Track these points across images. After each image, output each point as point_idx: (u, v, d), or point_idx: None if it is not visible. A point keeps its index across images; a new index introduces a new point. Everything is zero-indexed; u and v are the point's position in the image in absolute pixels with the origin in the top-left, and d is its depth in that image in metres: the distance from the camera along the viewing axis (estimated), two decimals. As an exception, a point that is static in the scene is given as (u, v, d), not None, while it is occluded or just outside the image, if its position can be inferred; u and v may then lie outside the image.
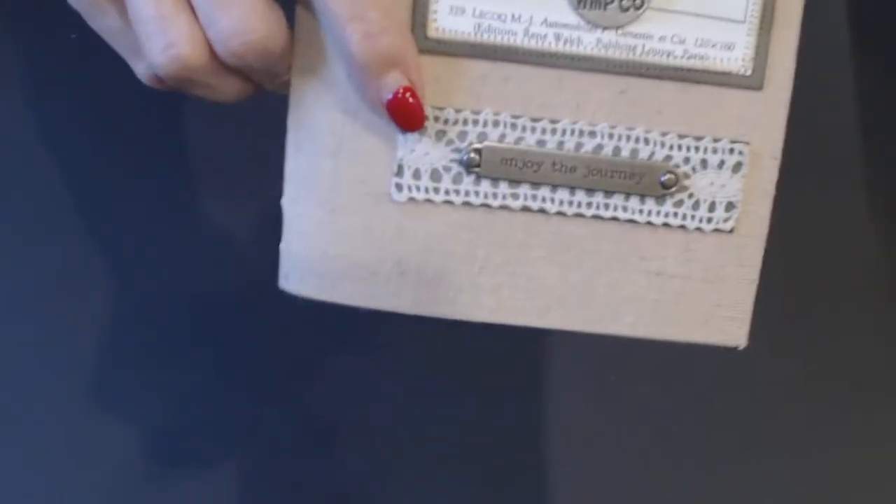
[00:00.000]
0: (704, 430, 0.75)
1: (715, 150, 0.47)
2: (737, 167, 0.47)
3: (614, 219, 0.48)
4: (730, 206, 0.48)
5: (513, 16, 0.45)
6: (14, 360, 0.69)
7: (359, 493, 0.73)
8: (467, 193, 0.47)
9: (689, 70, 0.46)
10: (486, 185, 0.47)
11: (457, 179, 0.47)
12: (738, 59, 0.46)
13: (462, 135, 0.47)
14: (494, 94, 0.46)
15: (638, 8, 0.45)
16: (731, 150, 0.47)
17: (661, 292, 0.49)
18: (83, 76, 0.67)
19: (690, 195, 0.48)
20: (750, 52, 0.46)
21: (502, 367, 0.73)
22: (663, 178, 0.47)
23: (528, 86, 0.46)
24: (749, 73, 0.47)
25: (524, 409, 0.73)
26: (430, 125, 0.46)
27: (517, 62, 0.46)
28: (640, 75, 0.46)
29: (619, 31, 0.46)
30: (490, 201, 0.47)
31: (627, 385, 0.74)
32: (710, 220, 0.48)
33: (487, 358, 0.72)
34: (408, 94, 0.45)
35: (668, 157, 0.47)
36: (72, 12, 0.48)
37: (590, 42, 0.46)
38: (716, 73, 0.46)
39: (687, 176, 0.47)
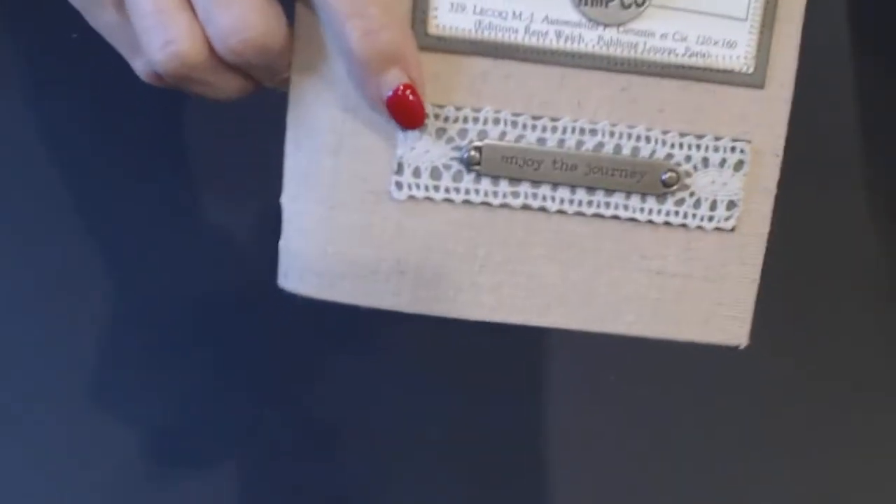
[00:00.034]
0: (704, 431, 0.75)
1: (716, 149, 0.47)
2: (738, 165, 0.47)
3: (615, 217, 0.48)
4: (731, 205, 0.48)
5: (514, 13, 0.45)
6: (14, 360, 0.69)
7: (359, 495, 0.73)
8: (467, 191, 0.47)
9: (691, 68, 0.46)
10: (486, 184, 0.47)
11: (457, 177, 0.47)
12: (739, 56, 0.46)
13: (462, 132, 0.47)
14: (495, 92, 0.46)
15: (639, 5, 0.45)
16: (733, 149, 0.47)
17: (662, 291, 0.49)
18: (83, 76, 0.67)
19: (692, 193, 0.48)
20: (752, 50, 0.46)
21: (502, 368, 0.73)
22: (664, 177, 0.47)
23: (529, 83, 0.46)
24: (751, 70, 0.46)
25: (524, 411, 0.73)
26: (431, 123, 0.46)
27: (518, 60, 0.46)
28: (642, 73, 0.46)
29: (621, 29, 0.46)
30: (490, 199, 0.47)
31: (627, 386, 0.74)
32: (711, 219, 0.48)
33: (487, 359, 0.72)
34: (408, 92, 0.45)
35: (670, 156, 0.47)
36: (72, 12, 0.48)
37: (591, 40, 0.46)
38: (717, 70, 0.46)
39: (688, 174, 0.47)
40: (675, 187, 0.47)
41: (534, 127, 0.47)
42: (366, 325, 0.70)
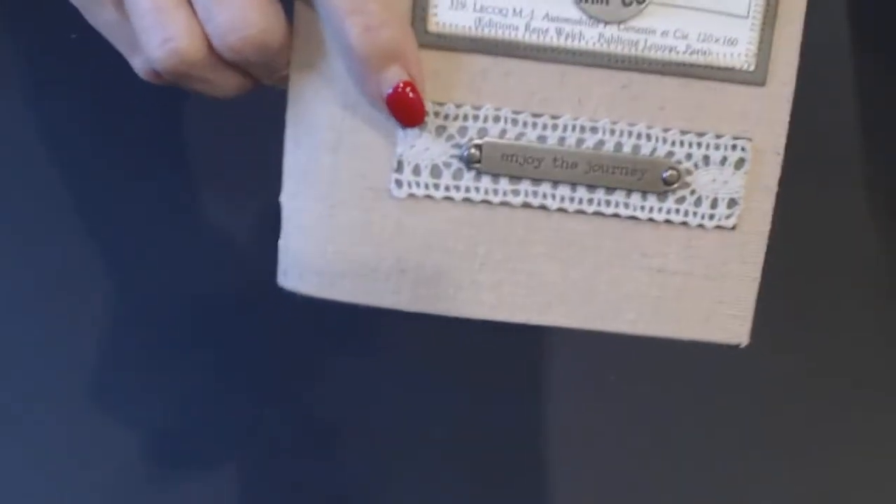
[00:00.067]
0: (704, 430, 0.75)
1: (717, 147, 0.47)
2: (739, 163, 0.47)
3: (616, 215, 0.48)
4: (732, 203, 0.48)
5: (514, 10, 0.45)
6: (14, 360, 0.69)
7: (359, 494, 0.73)
8: (468, 189, 0.47)
9: (692, 65, 0.46)
10: (486, 182, 0.47)
11: (457, 175, 0.47)
12: (740, 54, 0.46)
13: (462, 130, 0.46)
14: (495, 90, 0.46)
15: (640, 2, 0.45)
16: (734, 147, 0.47)
17: (663, 289, 0.49)
18: (83, 76, 0.67)
19: (692, 192, 0.47)
20: (753, 48, 0.46)
21: (502, 367, 0.72)
22: (665, 175, 0.47)
23: (529, 81, 0.46)
24: (752, 68, 0.46)
25: (524, 410, 0.73)
26: (431, 120, 0.46)
27: (518, 57, 0.46)
28: (643, 70, 0.46)
29: (622, 26, 0.46)
30: (491, 197, 0.47)
31: (627, 385, 0.74)
32: (712, 217, 0.48)
33: (487, 359, 0.72)
34: (408, 89, 0.45)
35: (671, 154, 0.47)
36: (72, 12, 0.48)
37: (592, 37, 0.46)
38: (718, 68, 0.46)
39: (689, 172, 0.47)
40: (675, 185, 0.47)
41: (534, 125, 0.47)
42: (366, 324, 0.70)
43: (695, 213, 0.48)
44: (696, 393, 0.74)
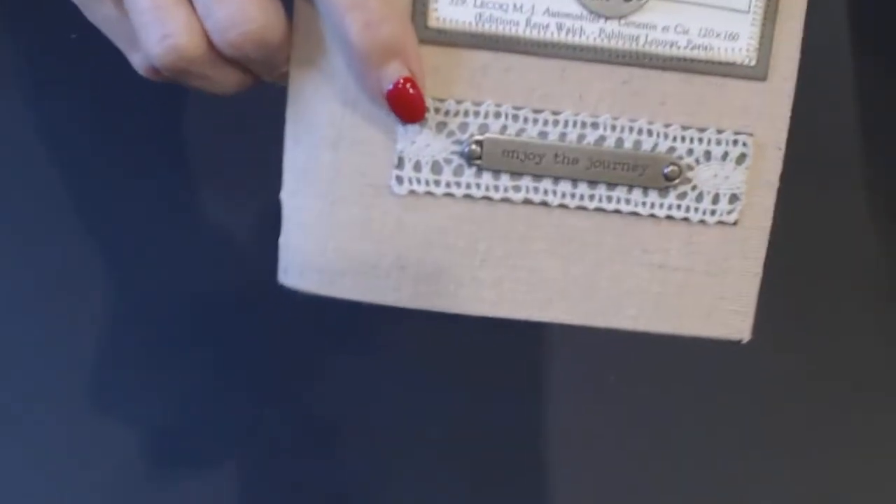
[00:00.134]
0: (704, 431, 0.75)
1: (719, 142, 0.47)
2: (740, 159, 0.47)
3: (617, 211, 0.48)
4: (733, 198, 0.48)
5: (514, 5, 0.45)
6: (14, 360, 0.69)
7: (359, 493, 0.73)
8: (468, 186, 0.47)
9: (693, 60, 0.46)
10: (487, 178, 0.47)
11: (458, 172, 0.47)
12: (742, 49, 0.46)
13: (463, 126, 0.46)
14: (496, 85, 0.46)
15: (641, -3, 0.45)
16: (735, 142, 0.47)
17: (664, 285, 0.48)
18: (83, 76, 0.67)
19: (694, 187, 0.47)
20: (754, 43, 0.46)
21: (502, 367, 0.72)
22: (666, 170, 0.47)
23: (529, 77, 0.46)
24: (753, 63, 0.46)
25: (524, 410, 0.73)
26: (431, 117, 0.46)
27: (519, 53, 0.46)
28: (644, 66, 0.46)
29: (622, 21, 0.46)
30: (491, 194, 0.47)
31: (627, 386, 0.74)
32: (713, 213, 0.48)
33: (488, 359, 0.72)
34: (408, 85, 0.44)
35: (672, 149, 0.47)
36: (71, 12, 0.48)
37: (592, 32, 0.46)
38: (719, 63, 0.46)
39: (690, 168, 0.47)
40: (677, 181, 0.47)
41: (535, 121, 0.46)
42: (366, 323, 0.70)
43: (696, 209, 0.48)
44: (696, 394, 0.74)
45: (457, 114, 0.46)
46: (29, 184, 0.67)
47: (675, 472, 0.75)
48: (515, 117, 0.46)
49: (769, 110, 0.47)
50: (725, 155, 0.47)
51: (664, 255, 0.48)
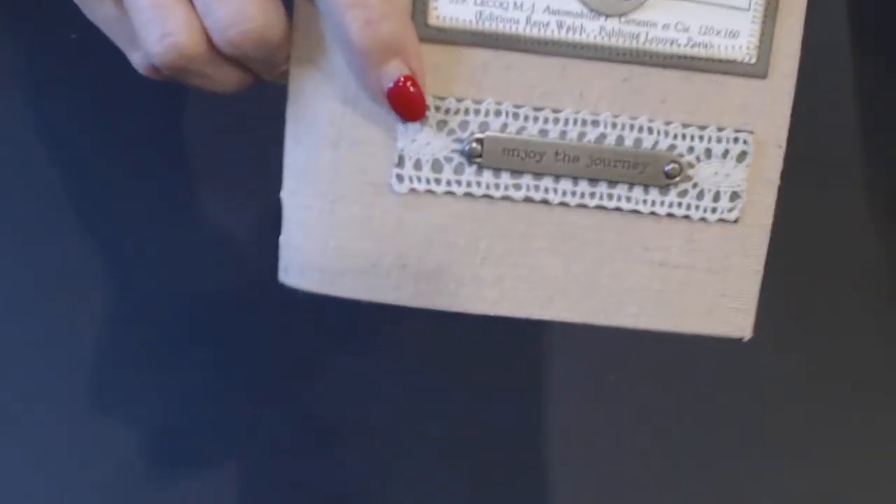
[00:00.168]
0: (704, 430, 0.75)
1: (719, 139, 0.47)
2: (741, 156, 0.47)
3: (618, 209, 0.48)
4: (734, 196, 0.48)
5: (515, 3, 0.45)
6: (14, 360, 0.69)
7: (359, 493, 0.73)
8: (469, 184, 0.47)
9: (693, 58, 0.46)
10: (488, 176, 0.47)
11: (458, 170, 0.47)
12: (742, 46, 0.46)
13: (463, 125, 0.46)
14: (496, 84, 0.46)
15: (641, -5, 0.45)
16: (736, 139, 0.47)
17: (665, 283, 0.48)
18: (83, 76, 0.67)
19: (694, 185, 0.47)
20: (754, 40, 0.46)
21: (503, 367, 0.72)
22: (667, 168, 0.47)
23: (530, 74, 0.46)
24: (753, 60, 0.46)
25: (524, 409, 0.73)
26: (431, 115, 0.46)
27: (519, 51, 0.46)
28: (644, 63, 0.46)
29: (623, 19, 0.46)
30: (492, 192, 0.47)
31: (627, 385, 0.74)
32: (714, 210, 0.48)
33: (488, 358, 0.72)
34: (408, 83, 0.44)
35: (672, 147, 0.47)
36: (71, 12, 0.48)
37: (593, 30, 0.46)
38: (720, 61, 0.46)
39: (691, 165, 0.47)
40: (677, 179, 0.47)
41: (535, 118, 0.46)
42: (366, 323, 0.70)
43: (697, 207, 0.48)
44: (696, 393, 0.74)
45: (457, 112, 0.46)
46: (29, 184, 0.67)
47: (676, 471, 0.75)
48: (516, 115, 0.46)
49: (769, 108, 0.47)
50: (726, 152, 0.47)
51: (665, 252, 0.48)
